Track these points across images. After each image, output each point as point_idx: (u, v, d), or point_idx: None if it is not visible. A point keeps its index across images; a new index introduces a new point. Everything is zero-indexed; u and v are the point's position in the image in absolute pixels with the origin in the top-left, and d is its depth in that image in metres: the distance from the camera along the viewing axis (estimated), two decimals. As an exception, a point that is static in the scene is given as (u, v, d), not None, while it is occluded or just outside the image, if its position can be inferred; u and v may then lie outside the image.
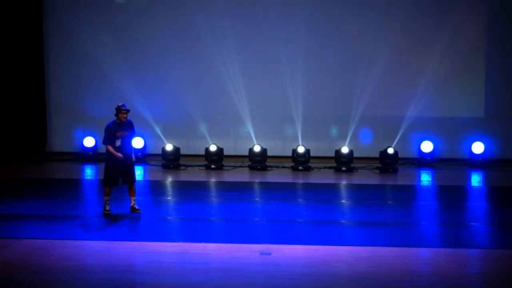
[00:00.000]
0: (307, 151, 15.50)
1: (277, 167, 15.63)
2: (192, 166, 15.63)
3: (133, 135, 11.34)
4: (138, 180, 11.68)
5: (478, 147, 15.71)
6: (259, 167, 15.45)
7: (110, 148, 11.07)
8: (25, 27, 15.93)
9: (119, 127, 11.13)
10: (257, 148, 15.60)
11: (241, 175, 14.89)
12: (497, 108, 15.89)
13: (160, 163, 15.66)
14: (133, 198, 11.37)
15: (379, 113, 16.04)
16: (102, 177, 11.61)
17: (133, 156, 11.31)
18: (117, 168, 11.17)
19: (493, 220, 11.35)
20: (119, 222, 10.89)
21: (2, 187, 13.37)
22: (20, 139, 16.04)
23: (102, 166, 11.70)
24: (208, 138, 15.97)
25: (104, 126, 11.21)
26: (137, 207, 11.36)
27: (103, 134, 11.19)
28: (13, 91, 16.00)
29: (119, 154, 11.02)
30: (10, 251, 9.35)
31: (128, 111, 11.16)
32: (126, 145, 11.15)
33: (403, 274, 8.57)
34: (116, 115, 11.12)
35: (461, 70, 15.90)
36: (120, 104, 11.19)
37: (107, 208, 11.28)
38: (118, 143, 11.08)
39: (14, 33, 15.91)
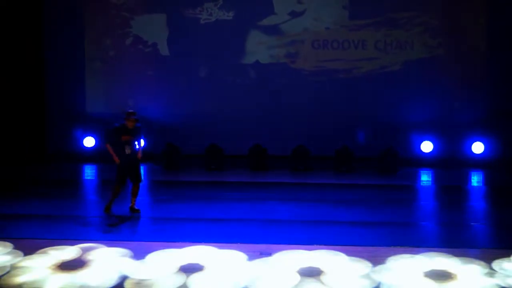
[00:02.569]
0: (307, 151, 15.49)
1: (277, 167, 15.62)
2: (192, 166, 15.62)
3: (139, 139, 11.39)
4: (138, 180, 11.65)
5: (478, 147, 15.71)
6: (259, 167, 15.44)
7: (109, 149, 11.11)
8: (25, 26, 15.93)
9: (126, 131, 11.16)
10: (257, 148, 15.59)
11: (241, 175, 14.88)
12: (497, 108, 15.88)
13: (160, 163, 15.66)
14: (134, 199, 11.38)
15: (379, 113, 16.03)
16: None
17: (140, 154, 11.37)
18: (126, 166, 11.19)
19: (493, 220, 11.35)
20: (119, 222, 10.89)
21: (2, 187, 13.37)
22: (20, 139, 16.04)
23: (102, 166, 11.70)
24: (208, 138, 15.95)
25: (103, 126, 11.23)
26: (136, 208, 11.36)
27: (105, 133, 11.22)
28: (12, 91, 16.00)
29: (116, 158, 11.11)
30: (10, 251, 9.36)
31: (137, 120, 11.22)
32: (132, 147, 11.22)
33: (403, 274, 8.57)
34: (125, 119, 11.18)
35: (461, 70, 15.89)
36: (131, 111, 11.27)
37: (109, 208, 11.27)
38: (127, 150, 11.11)
39: (14, 33, 15.92)
